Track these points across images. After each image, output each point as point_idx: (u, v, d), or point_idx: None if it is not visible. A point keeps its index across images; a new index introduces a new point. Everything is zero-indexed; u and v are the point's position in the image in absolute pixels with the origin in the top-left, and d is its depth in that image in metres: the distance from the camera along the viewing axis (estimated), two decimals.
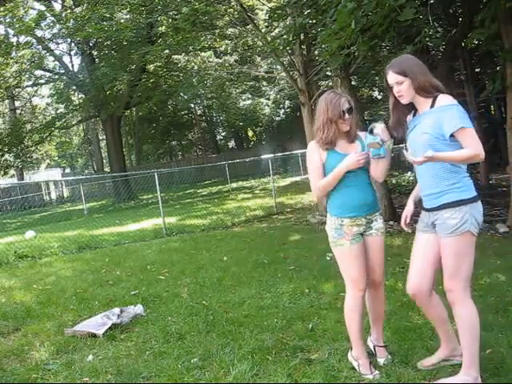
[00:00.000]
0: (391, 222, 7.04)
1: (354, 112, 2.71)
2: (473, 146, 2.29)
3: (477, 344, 2.43)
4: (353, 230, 2.67)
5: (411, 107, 2.53)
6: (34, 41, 17.88)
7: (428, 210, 2.53)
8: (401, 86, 2.44)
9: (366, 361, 2.72)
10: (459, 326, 2.45)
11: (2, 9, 15.54)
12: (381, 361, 2.79)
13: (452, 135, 2.32)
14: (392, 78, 2.46)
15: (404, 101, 2.48)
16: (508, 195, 6.70)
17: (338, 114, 2.63)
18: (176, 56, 17.40)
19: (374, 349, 2.87)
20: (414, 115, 2.54)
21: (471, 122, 2.34)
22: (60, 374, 3.08)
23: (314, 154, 2.72)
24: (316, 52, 9.69)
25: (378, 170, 2.69)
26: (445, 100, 2.37)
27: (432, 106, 2.40)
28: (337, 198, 2.71)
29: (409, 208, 2.73)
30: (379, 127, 2.57)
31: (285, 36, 8.12)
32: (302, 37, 8.68)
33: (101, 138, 33.16)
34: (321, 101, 2.72)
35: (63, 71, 20.45)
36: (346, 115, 2.64)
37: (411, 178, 11.91)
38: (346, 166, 2.61)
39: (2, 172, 22.72)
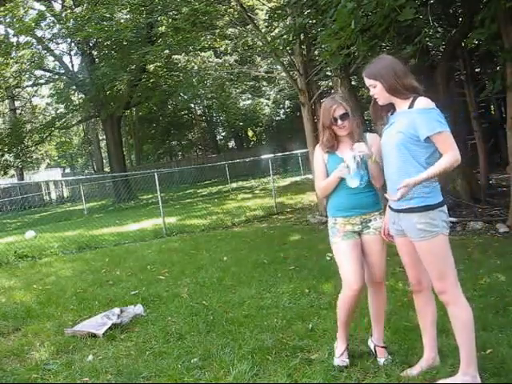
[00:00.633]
0: None
1: (352, 116, 2.74)
2: (449, 151, 2.33)
3: (473, 342, 2.43)
4: (345, 228, 2.74)
5: (391, 105, 2.57)
6: (34, 41, 17.89)
7: (393, 210, 2.56)
8: (374, 90, 2.52)
9: (343, 345, 2.82)
10: (456, 325, 2.45)
11: (2, 9, 15.54)
12: (381, 361, 2.79)
13: (428, 137, 2.36)
14: (366, 81, 2.56)
15: (380, 102, 2.56)
16: (508, 195, 6.70)
17: (329, 120, 2.71)
18: (176, 56, 17.41)
19: (375, 349, 2.87)
20: (393, 113, 2.58)
21: (448, 125, 2.36)
22: (60, 374, 3.08)
23: (318, 156, 2.85)
24: (316, 52, 9.69)
25: (374, 178, 2.74)
26: (423, 103, 2.40)
27: (411, 107, 2.44)
28: (332, 198, 2.81)
29: (387, 220, 2.71)
30: (360, 147, 2.61)
31: (285, 36, 8.12)
32: (301, 37, 8.68)
33: (101, 138, 33.12)
34: (321, 108, 2.82)
35: (63, 71, 20.45)
36: (339, 121, 2.69)
37: None
38: (336, 176, 2.71)
39: (2, 172, 22.73)
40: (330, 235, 2.82)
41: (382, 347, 2.85)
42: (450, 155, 2.33)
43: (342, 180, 2.72)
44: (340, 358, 2.78)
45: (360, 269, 2.72)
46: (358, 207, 2.73)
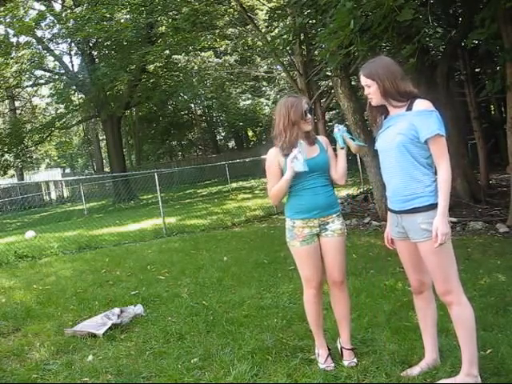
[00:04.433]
0: None
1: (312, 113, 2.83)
2: (442, 163, 2.35)
3: (475, 342, 2.43)
4: (304, 232, 2.72)
5: (385, 107, 2.55)
6: (34, 41, 17.89)
7: (396, 212, 2.54)
8: (370, 89, 2.49)
9: (325, 351, 2.83)
10: (458, 326, 2.45)
11: (2, 9, 15.56)
12: (345, 363, 2.78)
13: (426, 140, 2.36)
14: (362, 80, 2.52)
15: (373, 103, 2.52)
16: (508, 195, 6.70)
17: (301, 114, 2.69)
18: (176, 56, 17.42)
19: (341, 351, 2.85)
20: (386, 117, 2.56)
21: (445, 131, 2.37)
22: (60, 374, 3.08)
23: (273, 160, 2.76)
24: (316, 52, 9.71)
25: (337, 172, 2.79)
26: (424, 105, 2.39)
27: (409, 109, 2.42)
28: (290, 200, 2.79)
29: (389, 226, 2.69)
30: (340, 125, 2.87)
31: (285, 36, 8.13)
32: (301, 37, 8.69)
33: (101, 138, 33.15)
34: (279, 107, 2.77)
35: (63, 71, 20.44)
36: (308, 115, 2.72)
37: None
38: (289, 171, 2.65)
39: (2, 172, 22.71)
40: (287, 235, 2.81)
41: (348, 349, 2.83)
42: (444, 169, 2.34)
43: (298, 182, 2.70)
44: (326, 364, 2.78)
45: (318, 268, 2.77)
46: (318, 209, 2.71)
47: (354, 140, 2.83)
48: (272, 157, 2.77)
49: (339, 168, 2.80)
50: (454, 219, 6.78)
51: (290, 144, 2.68)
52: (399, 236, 2.57)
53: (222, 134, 35.75)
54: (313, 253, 2.75)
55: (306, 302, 2.85)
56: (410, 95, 2.44)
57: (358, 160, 11.44)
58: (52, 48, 19.26)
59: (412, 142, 2.39)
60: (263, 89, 25.89)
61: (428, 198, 2.39)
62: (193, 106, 30.80)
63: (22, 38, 17.84)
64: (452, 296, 2.42)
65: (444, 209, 2.33)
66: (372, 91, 2.48)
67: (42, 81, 21.25)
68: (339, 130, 2.82)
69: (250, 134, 34.68)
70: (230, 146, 35.91)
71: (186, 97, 24.87)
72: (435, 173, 2.45)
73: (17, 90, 23.03)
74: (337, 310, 2.87)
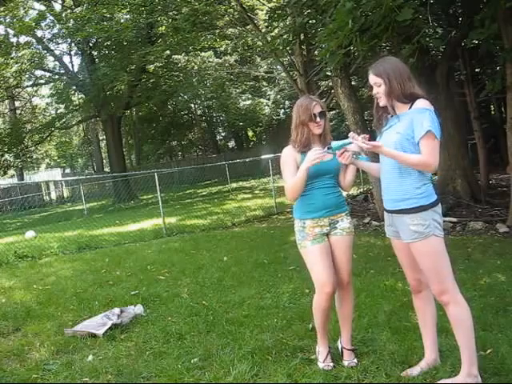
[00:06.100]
0: None
1: (327, 118, 2.81)
2: (426, 154, 2.34)
3: (474, 342, 2.44)
4: (315, 231, 2.73)
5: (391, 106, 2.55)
6: (33, 41, 17.89)
7: (388, 211, 2.58)
8: (379, 88, 2.49)
9: (325, 350, 2.84)
10: (456, 325, 2.45)
11: (2, 9, 15.55)
12: (345, 363, 2.79)
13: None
14: (371, 79, 2.52)
15: (381, 103, 2.52)
16: (508, 195, 6.70)
17: (309, 116, 2.70)
18: (176, 56, 17.42)
19: (342, 351, 2.87)
20: (392, 115, 2.56)
21: (440, 132, 2.36)
22: (60, 374, 3.08)
23: (289, 157, 2.78)
24: (316, 52, 9.70)
25: (345, 180, 2.81)
26: (421, 103, 2.40)
27: (410, 107, 2.44)
28: (299, 200, 2.79)
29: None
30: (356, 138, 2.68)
31: (285, 36, 8.13)
32: (302, 37, 8.69)
33: (101, 138, 33.13)
34: (295, 105, 2.81)
35: (63, 71, 20.43)
36: (318, 118, 2.71)
37: None
38: (307, 162, 2.63)
39: (2, 172, 22.70)
40: (297, 238, 2.80)
41: (349, 350, 2.84)
42: (426, 158, 2.34)
43: (310, 181, 2.70)
44: (325, 363, 2.79)
45: (331, 271, 2.74)
46: (328, 208, 2.74)
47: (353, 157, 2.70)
48: (288, 152, 2.79)
49: (347, 177, 2.82)
50: (453, 219, 6.79)
51: (301, 144, 2.73)
52: (394, 235, 2.59)
53: (222, 134, 35.72)
54: (324, 252, 2.74)
55: (318, 305, 2.79)
56: (413, 97, 2.44)
57: None
58: (52, 48, 19.26)
59: (407, 142, 2.40)
60: (263, 89, 25.88)
61: (417, 200, 2.41)
62: (193, 106, 30.76)
63: (22, 38, 17.86)
64: (448, 296, 2.42)
65: (392, 152, 2.38)
66: (381, 90, 2.47)
67: (42, 81, 21.25)
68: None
69: (250, 134, 34.65)
70: (230, 146, 35.86)
71: (186, 97, 24.89)
72: (430, 177, 2.47)
73: (17, 90, 23.00)
74: (341, 310, 2.88)
